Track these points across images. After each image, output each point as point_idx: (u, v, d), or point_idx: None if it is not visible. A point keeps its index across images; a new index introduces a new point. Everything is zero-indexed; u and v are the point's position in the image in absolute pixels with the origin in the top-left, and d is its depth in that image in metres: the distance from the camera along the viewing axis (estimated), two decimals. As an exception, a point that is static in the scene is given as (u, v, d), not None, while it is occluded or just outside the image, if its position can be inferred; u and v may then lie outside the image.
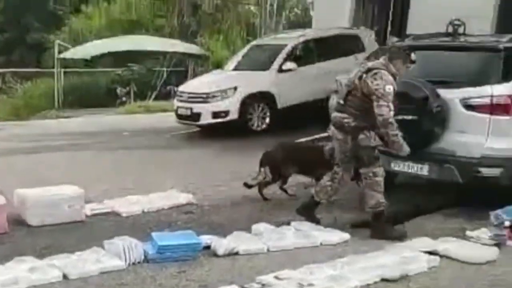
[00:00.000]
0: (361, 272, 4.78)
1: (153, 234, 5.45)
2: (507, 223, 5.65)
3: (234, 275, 4.85)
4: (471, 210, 6.38)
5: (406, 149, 5.86)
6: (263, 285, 4.50)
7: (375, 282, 4.67)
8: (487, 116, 6.25)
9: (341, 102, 5.96)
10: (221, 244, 5.39)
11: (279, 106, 11.98)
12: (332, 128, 6.06)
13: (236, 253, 5.32)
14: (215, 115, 11.69)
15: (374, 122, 5.73)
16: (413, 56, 5.96)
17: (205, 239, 5.53)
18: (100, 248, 5.21)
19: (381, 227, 5.85)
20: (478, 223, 5.94)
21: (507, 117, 6.34)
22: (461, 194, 6.83)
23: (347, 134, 5.89)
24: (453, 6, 11.81)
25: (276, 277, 4.64)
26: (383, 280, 4.71)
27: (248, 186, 7.42)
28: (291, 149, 7.92)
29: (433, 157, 6.51)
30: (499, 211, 5.81)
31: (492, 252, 5.29)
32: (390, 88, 5.67)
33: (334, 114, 6.01)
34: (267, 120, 11.99)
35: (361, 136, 5.82)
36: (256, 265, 5.07)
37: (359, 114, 5.81)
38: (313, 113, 11.29)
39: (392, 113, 5.66)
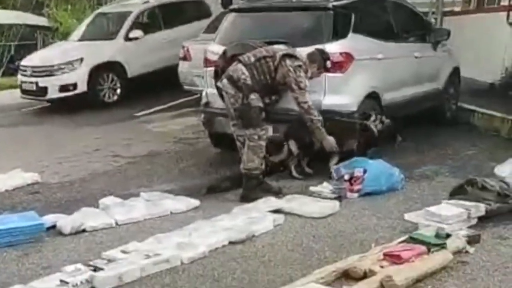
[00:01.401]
0: (209, 237, 4.81)
1: (-8, 218, 5.19)
2: (346, 177, 5.93)
3: (80, 253, 4.71)
4: (316, 166, 6.59)
5: (330, 140, 6.10)
6: (109, 260, 4.40)
7: (223, 246, 4.73)
8: (322, 74, 6.43)
9: (252, 59, 5.96)
10: (66, 223, 5.22)
11: (129, 75, 11.75)
12: (224, 80, 6.02)
13: (83, 230, 5.18)
14: (63, 88, 11.26)
15: (265, 92, 5.96)
16: (328, 63, 6.20)
17: (50, 218, 5.35)
18: None
19: (251, 190, 5.91)
20: (322, 179, 6.18)
21: (340, 74, 6.61)
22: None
23: (239, 91, 5.89)
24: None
25: (123, 251, 4.56)
26: (231, 243, 4.78)
27: (269, 163, 6.46)
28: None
29: (277, 118, 6.65)
30: (339, 166, 6.09)
31: (333, 206, 5.52)
32: (307, 83, 6.02)
33: (235, 67, 5.95)
34: (118, 91, 11.73)
35: (252, 96, 5.87)
36: (104, 241, 4.96)
37: (258, 78, 5.91)
38: (163, 81, 11.20)
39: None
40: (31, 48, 20.85)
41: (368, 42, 7.13)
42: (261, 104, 5.94)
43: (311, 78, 6.15)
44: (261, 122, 5.95)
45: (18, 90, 12.46)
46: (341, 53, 6.62)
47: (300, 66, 5.99)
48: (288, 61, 5.96)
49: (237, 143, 6.23)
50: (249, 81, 5.90)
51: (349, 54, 6.69)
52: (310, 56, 6.17)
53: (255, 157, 5.93)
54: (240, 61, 5.98)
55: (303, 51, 6.18)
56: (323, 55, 6.25)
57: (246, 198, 5.80)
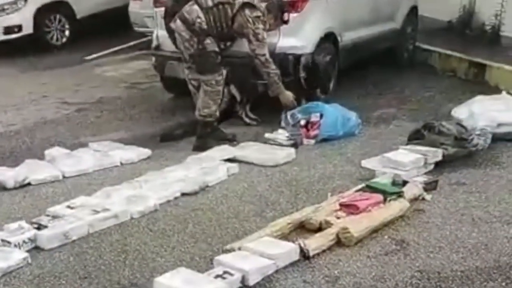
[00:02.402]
0: (161, 189, 4.64)
1: None
2: (302, 122, 5.79)
3: (25, 209, 4.48)
4: (272, 112, 6.33)
5: (287, 94, 5.85)
6: (54, 217, 4.18)
7: (175, 198, 4.56)
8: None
9: (210, 3, 5.62)
10: (10, 176, 4.96)
11: (78, 16, 11.20)
12: (178, 22, 5.70)
13: (28, 184, 4.93)
14: (7, 30, 10.61)
15: (220, 39, 5.68)
16: (285, 15, 5.91)
17: (-9, 172, 5.08)
18: None
19: (206, 138, 5.70)
20: (278, 125, 5.99)
21: (296, 14, 6.35)
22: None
23: (193, 35, 5.59)
24: None
25: (69, 206, 4.34)
26: (183, 194, 4.61)
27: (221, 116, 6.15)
28: None
29: (232, 61, 6.38)
30: (295, 111, 5.92)
31: (289, 153, 5.37)
32: (266, 35, 5.75)
33: (190, 8, 5.62)
34: (67, 32, 11.19)
35: (208, 40, 5.58)
36: (50, 195, 4.73)
37: (214, 25, 5.61)
38: (114, 22, 10.74)
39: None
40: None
41: (324, -20, 6.86)
42: (216, 49, 5.68)
43: (269, 30, 5.87)
44: (218, 67, 5.71)
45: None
46: None
47: (258, 17, 5.70)
48: (247, 11, 5.66)
49: (190, 87, 5.99)
50: (204, 26, 5.61)
51: (304, -7, 6.43)
52: (268, 6, 5.85)
53: (211, 103, 5.71)
54: (196, 2, 5.65)
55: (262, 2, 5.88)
56: (280, 7, 5.96)
57: (200, 147, 5.60)
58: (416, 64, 8.87)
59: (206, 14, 5.63)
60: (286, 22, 6.05)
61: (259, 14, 5.71)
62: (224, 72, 5.97)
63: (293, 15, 6.33)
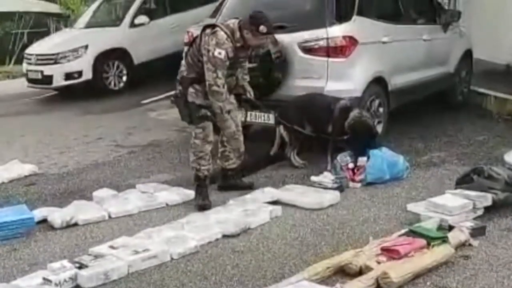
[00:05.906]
0: (202, 231, 4.65)
1: (-19, 213, 5.05)
2: (350, 165, 5.73)
3: (69, 249, 4.57)
4: (320, 155, 6.26)
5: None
6: (96, 256, 4.24)
7: (216, 240, 4.57)
8: (324, 59, 6.20)
9: (185, 50, 5.52)
10: (57, 216, 5.07)
11: (136, 62, 11.55)
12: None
13: (75, 224, 5.03)
14: (68, 76, 11.09)
15: (202, 78, 5.19)
16: (261, 28, 5.16)
17: (41, 212, 5.21)
18: None
19: (200, 196, 5.34)
20: (324, 168, 5.95)
21: (344, 59, 6.35)
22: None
23: (179, 84, 5.41)
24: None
25: (111, 246, 4.40)
26: (224, 236, 4.61)
27: (271, 158, 6.33)
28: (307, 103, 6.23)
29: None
30: (342, 155, 5.86)
31: (334, 196, 5.31)
32: (220, 53, 5.06)
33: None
34: (124, 78, 11.55)
35: (191, 89, 5.30)
36: (94, 235, 4.81)
37: (193, 64, 5.30)
38: (171, 67, 10.95)
39: (219, 81, 5.11)
40: (44, 36, 20.75)
41: (373, 25, 6.85)
42: (198, 101, 5.27)
43: (253, 48, 5.56)
44: (197, 120, 5.30)
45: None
46: (344, 37, 6.35)
47: (214, 33, 5.11)
48: (207, 30, 5.23)
49: None
50: (185, 72, 5.36)
51: (352, 38, 6.42)
52: (240, 25, 5.23)
53: (191, 155, 5.45)
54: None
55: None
56: (250, 19, 5.21)
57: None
58: (471, 108, 8.69)
59: (186, 57, 5.42)
60: (264, 34, 5.24)
61: (216, 29, 5.17)
62: (209, 127, 5.50)
63: (341, 59, 6.35)
